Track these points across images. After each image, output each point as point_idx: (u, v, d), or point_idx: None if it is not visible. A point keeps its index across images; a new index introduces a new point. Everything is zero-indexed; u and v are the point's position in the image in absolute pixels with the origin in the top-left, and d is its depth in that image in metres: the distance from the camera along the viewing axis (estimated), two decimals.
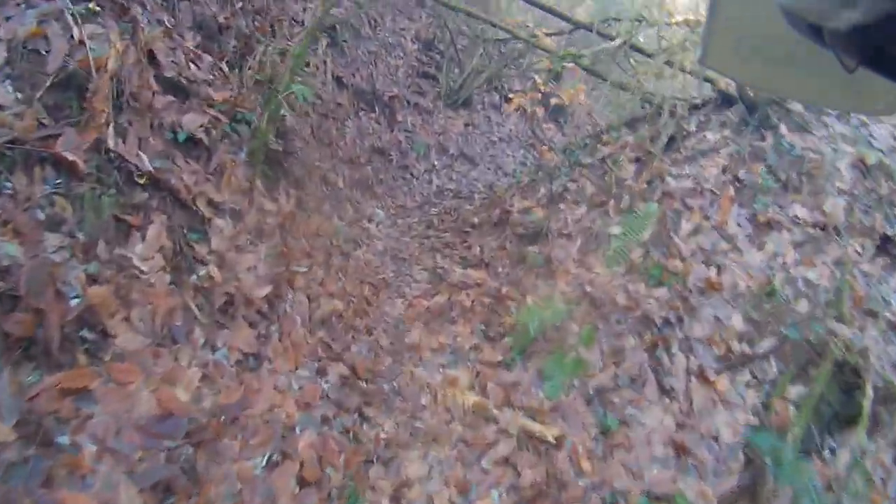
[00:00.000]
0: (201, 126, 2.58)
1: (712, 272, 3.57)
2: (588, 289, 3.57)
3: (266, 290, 2.46)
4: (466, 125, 8.30)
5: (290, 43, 5.13)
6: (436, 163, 7.38)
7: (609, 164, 4.74)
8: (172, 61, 2.81)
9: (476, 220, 5.12)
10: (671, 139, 4.60)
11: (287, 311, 2.58)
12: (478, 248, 4.50)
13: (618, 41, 5.42)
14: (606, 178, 4.59)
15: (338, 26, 6.00)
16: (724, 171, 4.17)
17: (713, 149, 4.37)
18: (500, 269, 4.15)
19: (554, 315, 3.07)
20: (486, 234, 4.76)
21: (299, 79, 5.10)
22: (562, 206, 4.56)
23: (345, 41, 6.16)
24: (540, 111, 8.88)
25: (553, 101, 4.73)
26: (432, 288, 3.91)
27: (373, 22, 7.32)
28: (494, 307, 3.57)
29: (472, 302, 3.63)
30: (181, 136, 2.49)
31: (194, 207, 2.38)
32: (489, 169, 8.05)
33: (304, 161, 4.00)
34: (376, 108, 6.58)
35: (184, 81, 2.70)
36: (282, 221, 2.99)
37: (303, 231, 3.27)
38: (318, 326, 2.70)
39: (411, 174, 6.79)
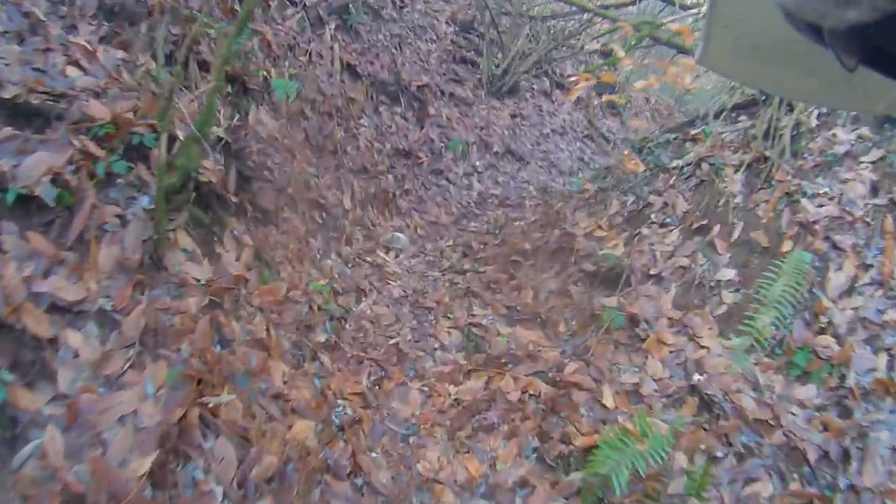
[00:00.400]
0: (49, 172, 1.53)
1: (881, 362, 2.28)
2: (696, 377, 2.35)
3: (149, 458, 1.41)
4: (513, 116, 7.05)
5: (279, 28, 4.08)
6: (477, 163, 6.19)
7: (708, 171, 3.45)
8: (36, 68, 1.78)
9: (527, 245, 3.92)
10: (792, 137, 3.26)
11: (193, 481, 1.52)
12: (530, 292, 3.32)
13: (703, 9, 4.05)
14: (704, 193, 3.32)
15: (351, 6, 4.90)
16: (874, 189, 2.83)
17: (850, 154, 3.02)
18: (561, 328, 2.97)
19: (653, 446, 1.88)
20: (542, 268, 3.57)
21: (294, 70, 4.07)
22: (645, 230, 3.31)
23: (360, 24, 5.05)
24: (598, 99, 7.54)
25: (639, 83, 3.47)
26: (465, 361, 2.78)
27: (398, 2, 6.16)
28: (555, 402, 2.41)
29: (523, 393, 2.47)
30: (11, 195, 1.46)
31: (19, 326, 1.35)
32: (541, 167, 6.80)
33: (284, 183, 2.93)
34: (402, 102, 5.45)
35: (37, 101, 1.66)
36: (216, 297, 1.93)
37: (259, 300, 2.20)
38: (256, 492, 1.63)
39: (447, 179, 5.64)
